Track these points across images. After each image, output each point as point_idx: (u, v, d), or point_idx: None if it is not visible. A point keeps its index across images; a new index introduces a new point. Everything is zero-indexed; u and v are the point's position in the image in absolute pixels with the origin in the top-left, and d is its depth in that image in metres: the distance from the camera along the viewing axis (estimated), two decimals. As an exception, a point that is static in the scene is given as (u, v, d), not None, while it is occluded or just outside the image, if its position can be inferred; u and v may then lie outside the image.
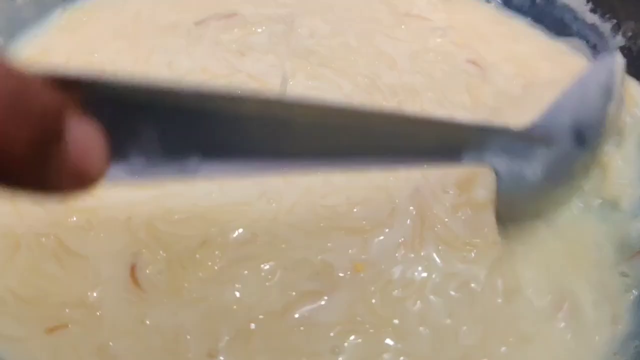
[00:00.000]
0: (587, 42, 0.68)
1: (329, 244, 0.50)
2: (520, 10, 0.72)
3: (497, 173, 0.48)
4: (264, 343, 0.46)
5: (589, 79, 0.55)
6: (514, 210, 0.51)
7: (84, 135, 0.23)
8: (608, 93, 0.54)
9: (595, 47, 0.67)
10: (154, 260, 0.48)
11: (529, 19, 0.71)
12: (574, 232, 0.53)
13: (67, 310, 0.46)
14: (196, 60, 0.61)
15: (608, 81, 0.55)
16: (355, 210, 0.52)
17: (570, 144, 0.52)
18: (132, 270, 0.48)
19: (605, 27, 0.67)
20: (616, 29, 0.67)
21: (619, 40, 0.66)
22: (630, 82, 0.59)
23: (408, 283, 0.49)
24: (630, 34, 0.66)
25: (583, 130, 0.52)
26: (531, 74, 0.65)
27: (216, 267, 0.48)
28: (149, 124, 0.25)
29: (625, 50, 0.66)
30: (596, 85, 0.54)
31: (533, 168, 0.49)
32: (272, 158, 0.31)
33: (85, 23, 0.64)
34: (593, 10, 0.68)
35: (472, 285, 0.50)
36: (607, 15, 0.67)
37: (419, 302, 0.48)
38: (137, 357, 0.45)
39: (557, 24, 0.70)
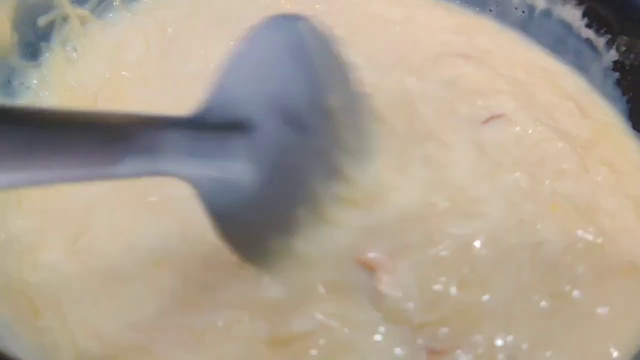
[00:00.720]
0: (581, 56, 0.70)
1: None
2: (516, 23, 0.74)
3: (193, 183, 0.36)
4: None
5: (264, 43, 0.41)
6: (245, 229, 0.39)
7: None
8: (304, 59, 0.42)
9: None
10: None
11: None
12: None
13: None
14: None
15: (297, 43, 0.42)
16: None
17: (279, 127, 0.39)
18: None
19: (600, 41, 0.68)
20: (610, 43, 0.68)
21: (613, 54, 0.67)
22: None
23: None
24: (623, 48, 0.67)
25: (291, 108, 0.40)
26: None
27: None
28: None
29: (618, 65, 0.67)
30: (282, 50, 0.41)
31: (238, 166, 0.36)
32: None
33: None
34: (588, 25, 0.69)
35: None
36: (602, 31, 0.68)
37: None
38: None
39: (553, 38, 0.71)
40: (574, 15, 0.70)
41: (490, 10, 0.74)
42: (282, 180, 0.39)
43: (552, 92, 0.66)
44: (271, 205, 0.39)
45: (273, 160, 0.38)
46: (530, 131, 0.59)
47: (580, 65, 0.70)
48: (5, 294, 0.44)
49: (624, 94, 0.66)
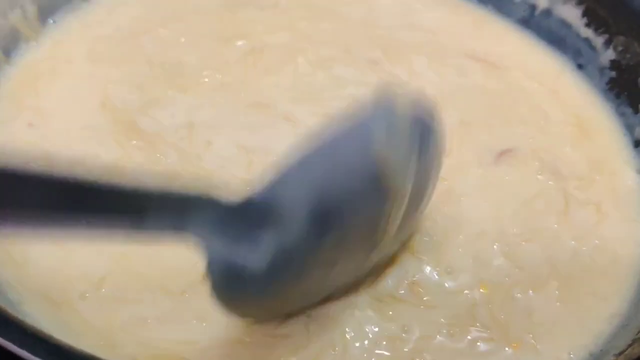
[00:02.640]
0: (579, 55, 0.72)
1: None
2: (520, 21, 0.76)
3: (207, 254, 0.37)
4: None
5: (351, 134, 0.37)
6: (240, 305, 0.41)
7: None
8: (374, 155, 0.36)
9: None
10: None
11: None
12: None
13: None
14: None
15: (373, 138, 0.36)
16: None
17: (308, 228, 0.36)
18: None
19: (598, 41, 0.71)
20: (608, 43, 0.70)
21: (610, 53, 0.70)
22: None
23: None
24: (620, 48, 0.69)
25: (330, 210, 0.36)
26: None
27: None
28: None
29: (615, 64, 0.69)
30: (357, 146, 0.36)
31: (255, 255, 0.36)
32: None
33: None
34: (587, 25, 0.72)
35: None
36: (600, 30, 0.71)
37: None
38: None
39: (553, 36, 0.74)
40: (573, 15, 0.73)
41: (491, 8, 0.77)
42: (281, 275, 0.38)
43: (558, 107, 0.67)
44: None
45: (285, 255, 0.37)
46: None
47: (578, 63, 0.72)
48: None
49: (618, 92, 0.69)
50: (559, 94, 0.69)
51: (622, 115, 0.68)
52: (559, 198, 0.58)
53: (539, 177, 0.59)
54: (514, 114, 0.65)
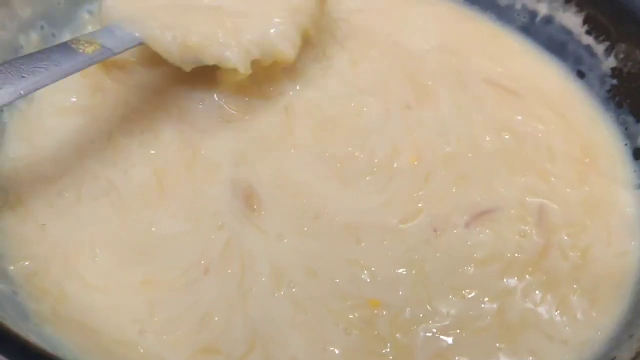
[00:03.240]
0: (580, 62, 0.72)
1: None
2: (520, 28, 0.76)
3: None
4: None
5: None
6: None
7: None
8: None
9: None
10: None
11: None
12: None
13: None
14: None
15: None
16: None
17: None
18: None
19: (599, 48, 0.70)
20: (609, 50, 0.70)
21: (611, 61, 0.69)
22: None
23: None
24: (622, 55, 0.69)
25: None
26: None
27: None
28: None
29: (616, 72, 0.69)
30: None
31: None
32: None
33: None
34: (588, 32, 0.71)
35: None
36: (601, 38, 0.70)
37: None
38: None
39: (553, 44, 0.73)
40: (574, 22, 0.72)
41: (491, 15, 0.77)
42: None
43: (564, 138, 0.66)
44: None
45: None
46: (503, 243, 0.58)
47: (578, 70, 0.72)
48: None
49: (620, 101, 0.68)
50: (566, 118, 0.68)
51: (622, 124, 0.67)
52: (531, 254, 0.57)
53: (517, 237, 0.58)
54: (521, 159, 0.64)
